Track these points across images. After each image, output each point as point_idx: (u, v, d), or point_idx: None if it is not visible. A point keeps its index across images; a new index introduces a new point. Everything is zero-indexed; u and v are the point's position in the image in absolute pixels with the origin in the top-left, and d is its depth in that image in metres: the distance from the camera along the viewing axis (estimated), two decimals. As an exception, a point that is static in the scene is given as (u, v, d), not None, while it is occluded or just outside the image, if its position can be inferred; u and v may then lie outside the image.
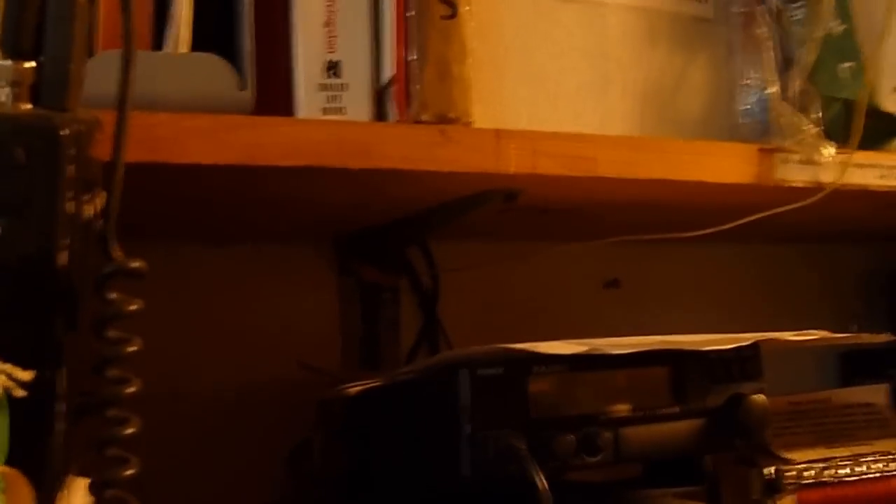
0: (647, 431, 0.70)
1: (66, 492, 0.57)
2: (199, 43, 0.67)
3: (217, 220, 0.85)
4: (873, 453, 0.95)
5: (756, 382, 0.75)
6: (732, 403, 0.73)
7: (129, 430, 0.49)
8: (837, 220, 1.02)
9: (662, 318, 1.10)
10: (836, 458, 0.94)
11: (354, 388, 0.74)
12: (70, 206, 0.48)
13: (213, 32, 0.68)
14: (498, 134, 0.67)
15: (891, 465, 0.95)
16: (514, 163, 0.67)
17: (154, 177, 0.61)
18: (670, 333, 1.05)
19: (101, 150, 0.52)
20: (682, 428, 0.72)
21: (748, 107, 0.82)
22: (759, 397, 0.73)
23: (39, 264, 0.47)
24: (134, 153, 0.57)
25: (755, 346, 0.74)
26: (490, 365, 0.65)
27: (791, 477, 0.92)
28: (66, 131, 0.47)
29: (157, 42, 0.67)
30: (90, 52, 0.64)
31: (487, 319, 1.05)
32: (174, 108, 0.62)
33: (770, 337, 0.72)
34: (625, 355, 0.65)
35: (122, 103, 0.51)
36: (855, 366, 1.24)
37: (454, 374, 0.65)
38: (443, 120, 0.66)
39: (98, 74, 0.54)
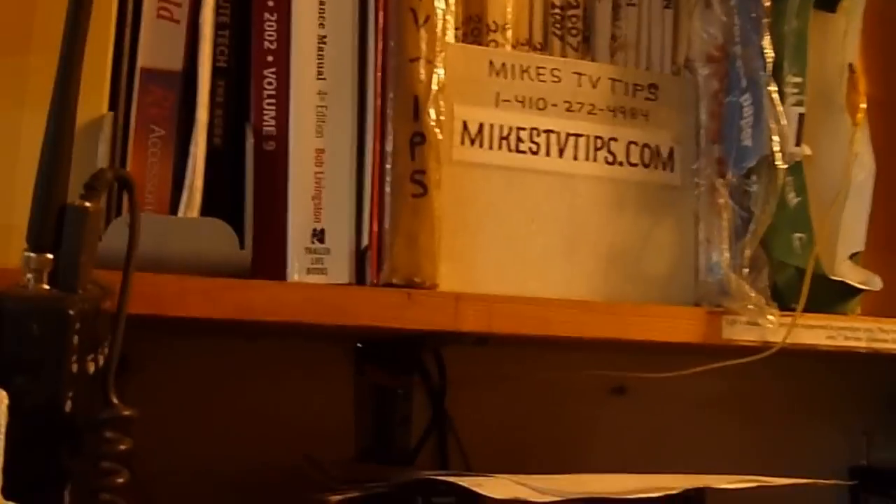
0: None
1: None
2: (210, 208, 0.85)
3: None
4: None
5: None
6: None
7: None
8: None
9: (668, 425, 1.25)
10: None
11: (336, 498, 0.89)
12: (74, 367, 0.65)
13: (223, 199, 0.86)
14: (458, 297, 0.84)
15: None
16: (471, 322, 0.83)
17: (160, 324, 0.79)
18: (675, 441, 1.20)
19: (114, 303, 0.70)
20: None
21: (709, 269, 0.97)
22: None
23: (49, 411, 0.65)
24: (143, 307, 0.75)
25: (702, 490, 0.88)
26: (443, 494, 0.81)
27: None
28: (73, 311, 0.64)
29: (174, 206, 0.85)
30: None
31: (496, 418, 1.19)
32: (182, 263, 0.80)
33: (704, 483, 0.86)
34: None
35: (122, 294, 0.69)
36: (864, 483, 1.29)
37: (413, 500, 0.81)
38: (409, 283, 0.83)
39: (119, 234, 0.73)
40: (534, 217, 0.93)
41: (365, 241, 0.85)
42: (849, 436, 1.34)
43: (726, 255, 0.94)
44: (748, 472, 1.15)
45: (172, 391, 1.09)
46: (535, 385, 1.20)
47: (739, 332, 0.92)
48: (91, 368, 0.68)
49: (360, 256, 0.85)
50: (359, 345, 1.15)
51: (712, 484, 0.86)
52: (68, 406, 0.65)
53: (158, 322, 0.78)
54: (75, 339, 0.65)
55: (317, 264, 0.84)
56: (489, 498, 0.80)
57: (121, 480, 0.67)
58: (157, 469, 1.05)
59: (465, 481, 0.80)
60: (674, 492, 0.83)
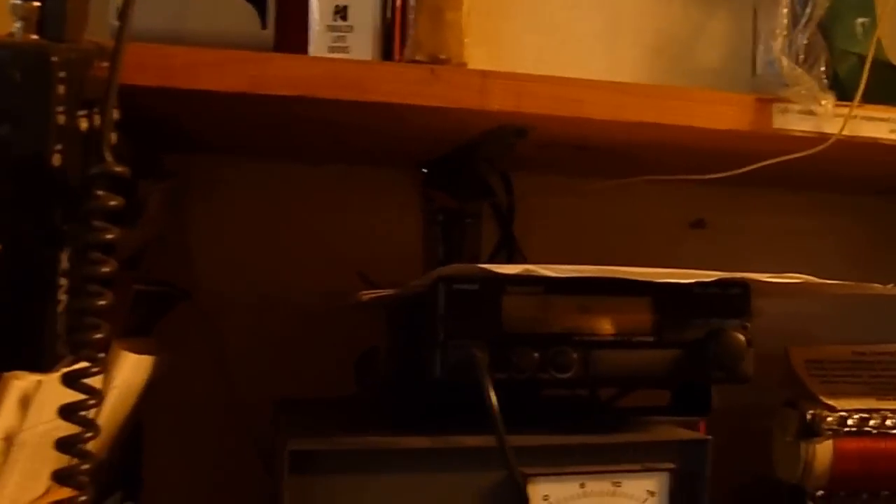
0: (621, 356, 0.77)
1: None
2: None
3: (308, 144, 0.96)
4: (923, 410, 0.97)
5: (740, 320, 0.79)
6: (709, 337, 0.79)
7: (102, 302, 0.62)
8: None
9: (747, 262, 1.14)
10: (882, 409, 0.97)
11: (368, 295, 0.84)
12: (61, 119, 0.60)
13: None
14: (484, 74, 0.76)
15: (940, 423, 0.96)
16: (497, 101, 0.76)
17: (170, 100, 0.73)
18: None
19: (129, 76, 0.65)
20: (657, 356, 0.78)
21: (768, 63, 0.87)
22: (736, 333, 0.79)
23: (36, 163, 0.60)
24: (152, 78, 0.70)
25: (745, 285, 0.79)
26: (466, 281, 0.75)
27: (831, 423, 0.96)
28: (56, 58, 0.59)
29: (197, -15, 0.79)
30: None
31: (567, 247, 1.12)
32: (204, 42, 0.74)
33: (749, 277, 0.78)
34: (605, 283, 0.73)
35: (119, 33, 0.63)
36: None
37: (435, 287, 0.75)
38: (434, 61, 0.76)
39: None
40: (574, 1, 0.84)
41: (389, 18, 0.78)
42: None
43: (780, 41, 0.84)
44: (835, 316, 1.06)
45: (239, 217, 1.05)
46: (611, 216, 1.13)
47: (792, 121, 0.83)
48: (84, 126, 0.63)
49: (385, 34, 0.78)
50: (424, 170, 1.09)
51: (753, 277, 0.77)
52: (57, 160, 0.61)
53: (171, 95, 0.72)
54: (60, 87, 0.60)
55: (339, 42, 0.78)
56: (507, 279, 0.74)
57: (110, 237, 0.62)
58: (221, 292, 1.02)
59: (487, 266, 0.73)
60: (707, 279, 0.76)
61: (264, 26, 0.78)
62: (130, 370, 0.77)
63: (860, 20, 0.86)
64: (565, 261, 0.99)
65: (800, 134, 0.83)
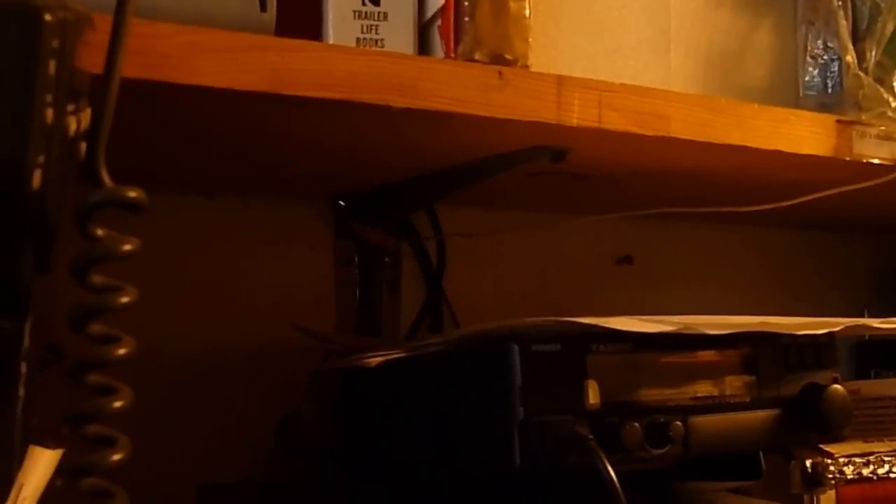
0: (720, 421, 0.57)
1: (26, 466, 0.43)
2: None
3: (207, 167, 0.70)
4: (913, 449, 0.84)
5: (830, 371, 0.62)
6: (811, 394, 0.59)
7: (118, 403, 0.35)
8: (861, 208, 0.89)
9: (672, 297, 1.00)
10: (876, 453, 0.81)
11: (374, 359, 0.59)
12: (48, 114, 0.34)
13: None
14: (560, 80, 0.53)
15: (933, 462, 0.83)
16: (577, 114, 0.53)
17: (155, 100, 0.47)
18: (680, 312, 0.95)
19: (96, 61, 0.38)
20: (757, 419, 0.59)
21: (812, 79, 0.69)
22: (840, 388, 0.60)
23: (6, 182, 0.33)
24: (133, 68, 0.43)
25: (830, 332, 0.61)
26: (545, 340, 0.52)
27: (831, 471, 0.80)
28: (50, 17, 0.33)
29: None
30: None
31: (493, 292, 0.91)
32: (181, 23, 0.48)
33: (858, 323, 0.60)
34: (698, 336, 0.52)
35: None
36: (869, 357, 1.11)
37: (505, 349, 0.52)
38: (498, 60, 0.53)
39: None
40: (624, 2, 0.62)
41: (434, 5, 0.53)
42: (850, 310, 1.09)
43: (850, 57, 0.65)
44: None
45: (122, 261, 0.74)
46: (538, 252, 0.93)
47: (870, 147, 0.64)
48: (72, 127, 0.36)
49: (426, 25, 0.54)
50: (341, 202, 0.84)
51: (868, 324, 0.58)
52: (37, 179, 0.34)
53: (158, 91, 0.46)
54: (50, 64, 0.34)
55: (369, 33, 0.53)
56: (603, 338, 0.51)
57: (125, 300, 0.36)
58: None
59: (580, 319, 0.51)
60: (836, 329, 0.56)
61: (263, 8, 0.52)
62: (43, 470, 0.48)
63: (924, 37, 0.68)
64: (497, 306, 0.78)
65: (875, 161, 0.65)
